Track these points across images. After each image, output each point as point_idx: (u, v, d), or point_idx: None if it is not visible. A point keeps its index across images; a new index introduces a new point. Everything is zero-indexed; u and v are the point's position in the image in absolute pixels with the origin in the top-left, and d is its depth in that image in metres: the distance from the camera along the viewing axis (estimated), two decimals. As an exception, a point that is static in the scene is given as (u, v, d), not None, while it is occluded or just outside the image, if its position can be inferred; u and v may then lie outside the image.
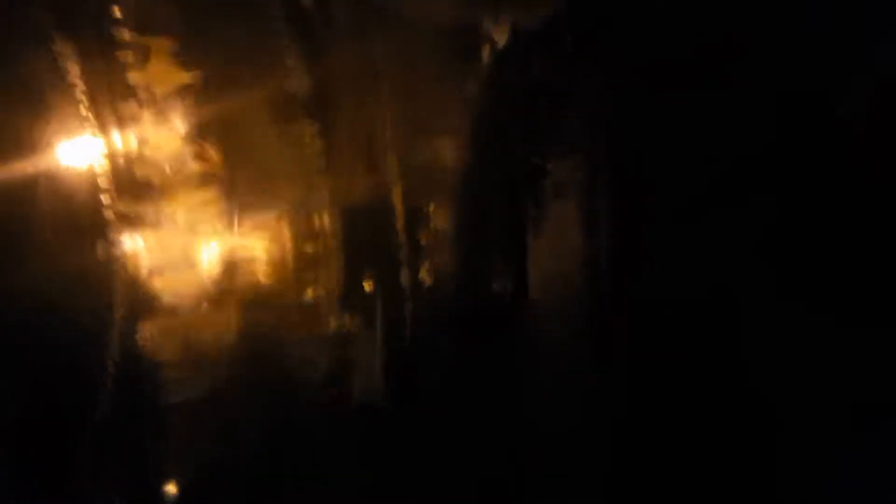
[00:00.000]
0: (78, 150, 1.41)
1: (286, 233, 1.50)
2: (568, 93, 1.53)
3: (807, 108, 1.49)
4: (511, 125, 1.54)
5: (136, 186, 1.42)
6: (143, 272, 1.43)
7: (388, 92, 1.50)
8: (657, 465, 1.50)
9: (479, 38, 1.51)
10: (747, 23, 1.48)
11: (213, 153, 1.45)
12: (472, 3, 1.52)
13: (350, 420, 1.53)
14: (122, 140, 1.41)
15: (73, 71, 1.37)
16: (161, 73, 1.42)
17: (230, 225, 1.47)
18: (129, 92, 1.40)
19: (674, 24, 1.49)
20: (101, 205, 1.41)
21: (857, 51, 1.47)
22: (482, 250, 1.56)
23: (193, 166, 1.45)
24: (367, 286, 1.54)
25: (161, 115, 1.42)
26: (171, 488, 1.47)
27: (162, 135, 1.43)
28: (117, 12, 1.37)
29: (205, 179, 1.45)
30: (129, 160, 1.42)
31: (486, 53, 1.51)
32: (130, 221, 1.42)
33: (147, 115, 1.42)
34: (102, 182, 1.41)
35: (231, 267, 1.48)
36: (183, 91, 1.43)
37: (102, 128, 1.40)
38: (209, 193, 1.46)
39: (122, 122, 1.40)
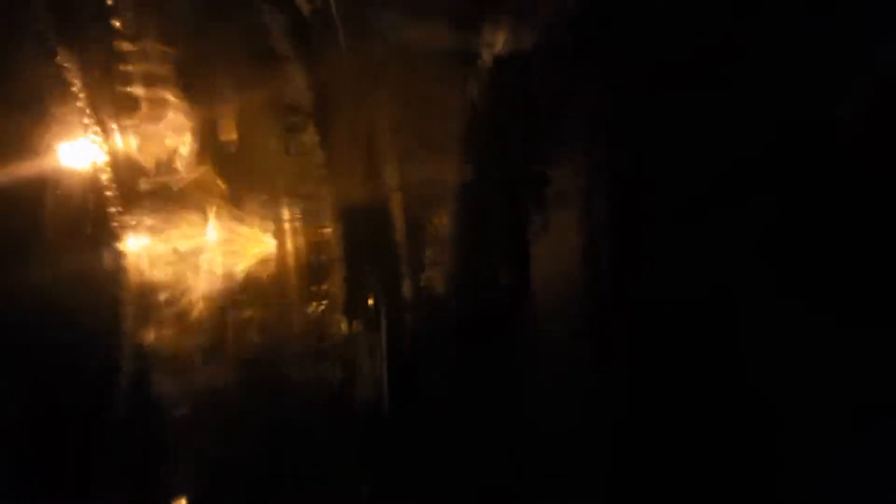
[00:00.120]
0: (80, 156, 1.42)
1: (289, 236, 1.50)
2: (568, 94, 1.53)
3: (807, 108, 1.49)
4: (511, 127, 1.54)
5: (137, 193, 1.43)
6: (145, 276, 1.44)
7: (387, 97, 1.51)
8: (657, 465, 1.49)
9: (480, 41, 1.52)
10: (747, 23, 1.48)
11: (214, 160, 1.46)
12: (472, 6, 1.52)
13: (351, 421, 1.53)
14: (123, 146, 1.42)
15: (77, 81, 1.38)
16: (162, 81, 1.43)
17: (231, 228, 1.47)
18: (131, 101, 1.41)
19: (674, 24, 1.49)
20: (105, 209, 1.42)
21: (857, 51, 1.47)
22: (483, 252, 1.56)
23: (194, 172, 1.45)
24: (370, 289, 1.54)
25: (162, 123, 1.43)
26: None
27: (162, 142, 1.44)
28: (117, 23, 1.39)
29: (206, 185, 1.46)
30: (130, 167, 1.43)
31: (485, 57, 1.52)
32: (132, 226, 1.43)
33: (148, 123, 1.43)
34: (104, 187, 1.42)
35: (233, 271, 1.48)
36: (184, 100, 1.44)
37: (105, 135, 1.41)
38: (211, 198, 1.46)
39: (123, 131, 1.42)
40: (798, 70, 1.47)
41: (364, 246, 1.53)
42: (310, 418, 1.51)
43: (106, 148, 1.41)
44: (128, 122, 1.42)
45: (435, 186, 1.55)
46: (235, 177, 1.47)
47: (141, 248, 1.44)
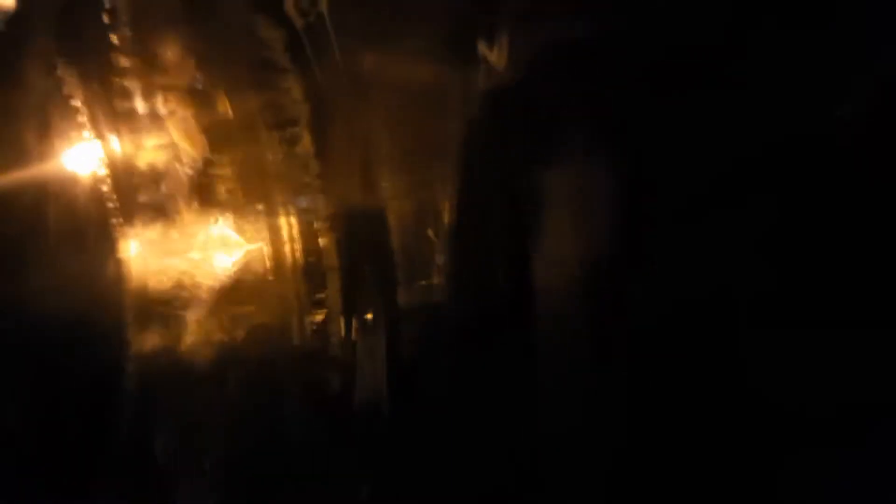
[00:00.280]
0: (82, 164, 1.44)
1: (287, 244, 1.51)
2: (568, 94, 1.53)
3: (807, 108, 1.49)
4: (510, 128, 1.54)
5: (137, 203, 1.45)
6: (144, 284, 1.45)
7: (384, 101, 1.52)
8: (657, 465, 1.49)
9: (476, 41, 1.52)
10: (747, 23, 1.48)
11: (212, 171, 1.47)
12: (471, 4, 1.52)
13: (351, 421, 1.53)
14: (123, 154, 1.44)
15: (77, 94, 1.41)
16: (161, 91, 1.44)
17: (230, 238, 1.48)
18: (131, 112, 1.43)
19: (674, 24, 1.49)
20: (106, 216, 1.43)
21: (857, 51, 1.47)
22: (483, 254, 1.57)
23: (195, 181, 1.47)
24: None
25: (160, 135, 1.45)
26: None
27: (161, 154, 1.45)
28: (115, 39, 1.41)
29: (207, 192, 1.47)
30: (130, 174, 1.44)
31: (484, 59, 1.52)
32: (131, 236, 1.44)
33: (148, 133, 1.45)
34: (105, 193, 1.43)
35: (232, 279, 1.49)
36: (183, 112, 1.45)
37: (104, 145, 1.43)
38: (210, 209, 1.47)
39: (122, 140, 1.44)
40: (798, 70, 1.47)
41: (363, 250, 1.54)
42: (310, 419, 1.52)
43: (106, 160, 1.44)
44: (127, 135, 1.44)
45: (433, 189, 1.55)
46: (234, 187, 1.48)
47: (140, 257, 1.46)
